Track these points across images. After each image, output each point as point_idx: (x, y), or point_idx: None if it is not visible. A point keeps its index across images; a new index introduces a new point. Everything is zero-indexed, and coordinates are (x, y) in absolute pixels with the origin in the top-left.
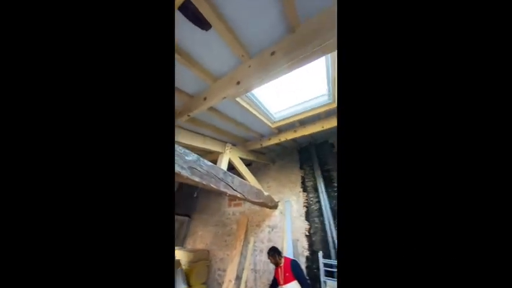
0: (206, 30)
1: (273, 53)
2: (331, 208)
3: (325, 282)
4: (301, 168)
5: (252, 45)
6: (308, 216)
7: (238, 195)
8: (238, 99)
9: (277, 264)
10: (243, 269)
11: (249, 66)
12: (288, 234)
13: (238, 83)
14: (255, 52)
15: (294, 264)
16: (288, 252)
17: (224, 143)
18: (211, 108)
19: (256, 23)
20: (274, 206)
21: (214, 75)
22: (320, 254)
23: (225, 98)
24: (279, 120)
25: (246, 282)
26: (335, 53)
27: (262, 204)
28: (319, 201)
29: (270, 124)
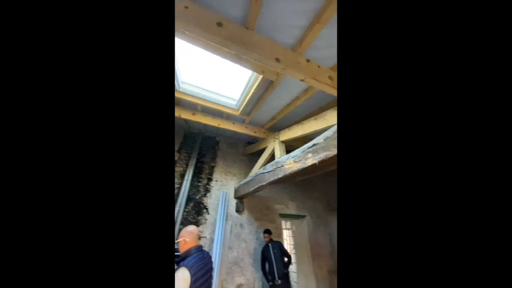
0: None
1: (219, 24)
2: (188, 195)
3: None
4: (178, 151)
5: None
6: None
7: None
8: None
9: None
10: None
11: (186, 7)
12: None
13: None
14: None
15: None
16: None
17: None
18: None
19: None
20: None
21: None
22: None
23: None
24: (182, 92)
25: None
26: (259, 78)
27: None
28: (180, 188)
29: None
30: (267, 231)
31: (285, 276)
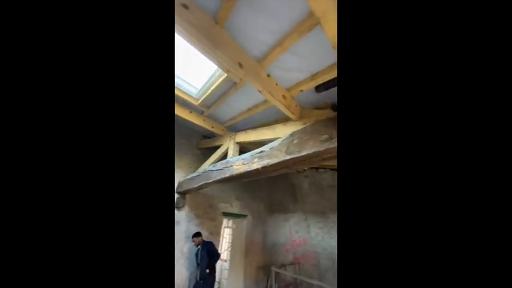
0: None
1: (185, 6)
2: None
3: None
4: None
5: None
6: None
7: None
8: None
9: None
10: None
11: None
12: None
13: None
14: None
15: None
16: None
17: None
18: None
19: None
20: None
21: None
22: None
23: None
24: None
25: None
26: (224, 75)
27: None
28: None
29: None
30: (196, 235)
31: (208, 276)
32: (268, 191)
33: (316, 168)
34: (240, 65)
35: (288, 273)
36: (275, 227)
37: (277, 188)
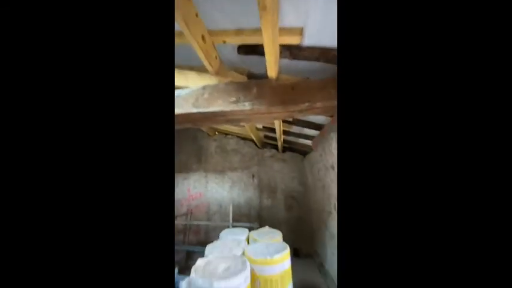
0: None
1: None
2: None
3: None
4: None
5: None
6: None
7: None
8: None
9: None
10: None
11: None
12: None
13: None
14: None
15: None
16: None
17: None
18: None
19: None
20: None
21: None
22: None
23: None
24: None
25: None
26: None
27: None
28: None
29: None
30: None
31: None
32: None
33: (225, 134)
34: None
35: (179, 222)
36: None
37: (183, 149)
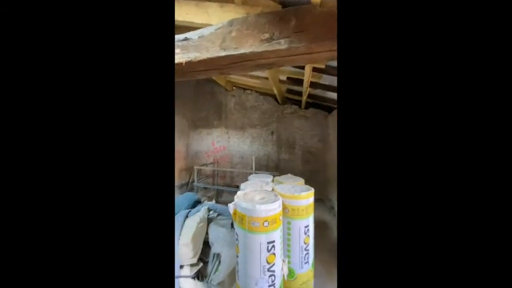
0: None
1: None
2: None
3: None
4: None
5: None
6: None
7: None
8: None
9: None
10: None
11: None
12: None
13: None
14: None
15: None
16: None
17: None
18: None
19: None
20: None
21: None
22: None
23: None
24: None
25: None
26: None
27: None
28: None
29: None
30: None
31: None
32: (192, 107)
33: (244, 89)
34: None
35: (208, 168)
36: (198, 140)
37: (202, 106)
